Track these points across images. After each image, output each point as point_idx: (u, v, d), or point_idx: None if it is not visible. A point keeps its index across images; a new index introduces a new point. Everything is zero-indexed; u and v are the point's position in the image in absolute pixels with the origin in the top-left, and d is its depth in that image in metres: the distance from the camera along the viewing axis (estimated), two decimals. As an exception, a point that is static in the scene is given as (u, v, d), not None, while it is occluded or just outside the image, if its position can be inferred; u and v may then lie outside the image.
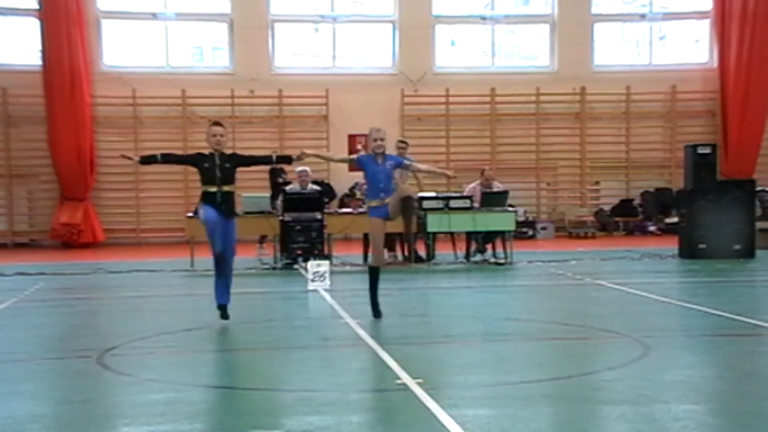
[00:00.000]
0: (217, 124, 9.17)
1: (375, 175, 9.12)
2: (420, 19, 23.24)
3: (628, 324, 8.73)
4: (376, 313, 9.13)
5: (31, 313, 10.38)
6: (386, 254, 15.90)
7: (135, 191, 22.62)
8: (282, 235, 14.74)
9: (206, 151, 9.01)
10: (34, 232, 22.59)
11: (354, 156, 9.46)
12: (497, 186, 16.24)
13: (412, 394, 5.87)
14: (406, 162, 9.23)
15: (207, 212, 8.78)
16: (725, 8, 23.39)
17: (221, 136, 9.01)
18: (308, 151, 9.40)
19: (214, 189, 8.90)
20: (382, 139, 9.15)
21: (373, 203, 9.16)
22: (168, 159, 9.44)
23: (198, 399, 6.07)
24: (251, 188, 18.08)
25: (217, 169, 8.90)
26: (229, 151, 9.19)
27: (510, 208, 15.60)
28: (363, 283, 13.35)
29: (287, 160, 9.72)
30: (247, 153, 9.60)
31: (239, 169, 9.06)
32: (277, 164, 11.15)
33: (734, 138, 23.27)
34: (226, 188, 8.94)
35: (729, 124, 23.40)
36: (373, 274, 9.22)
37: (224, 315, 9.03)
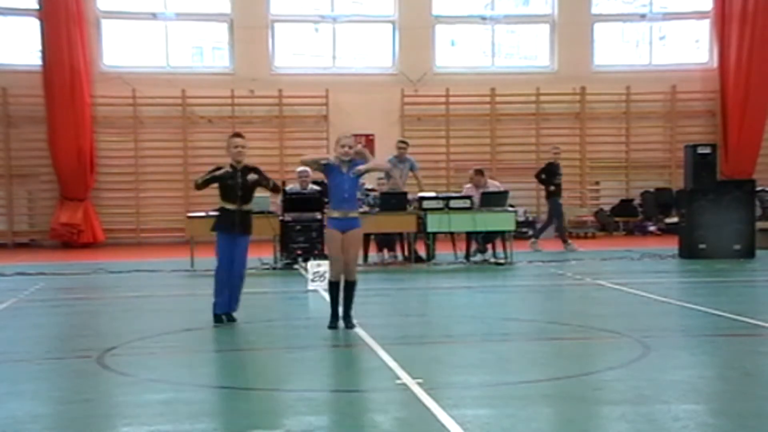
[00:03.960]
0: (237, 135, 9.14)
1: (339, 184, 8.62)
2: (420, 19, 23.23)
3: (628, 324, 8.73)
4: (348, 324, 8.65)
5: (31, 313, 10.38)
6: (386, 254, 15.96)
7: (135, 191, 22.61)
8: (282, 235, 14.74)
9: (229, 167, 8.99)
10: (34, 232, 22.58)
11: (325, 159, 8.75)
12: (494, 185, 16.23)
13: (412, 394, 5.87)
14: (361, 167, 8.87)
15: (222, 242, 8.97)
16: (725, 8, 23.38)
17: (243, 147, 8.97)
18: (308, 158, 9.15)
19: (233, 207, 8.90)
20: (350, 147, 8.64)
21: (334, 214, 8.70)
22: (207, 183, 9.25)
23: (198, 399, 6.07)
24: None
25: (238, 189, 8.89)
26: (250, 164, 9.13)
27: (510, 208, 15.61)
28: (363, 283, 13.34)
29: (277, 190, 9.67)
30: (257, 155, 9.47)
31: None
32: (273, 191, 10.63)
33: (734, 138, 23.26)
34: (245, 207, 8.94)
35: (729, 124, 23.39)
36: (332, 288, 8.76)
37: (218, 320, 9.08)
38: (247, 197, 9.03)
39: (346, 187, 8.63)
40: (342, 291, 8.71)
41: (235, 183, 8.95)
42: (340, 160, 8.60)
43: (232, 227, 9.02)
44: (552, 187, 18.19)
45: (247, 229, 9.12)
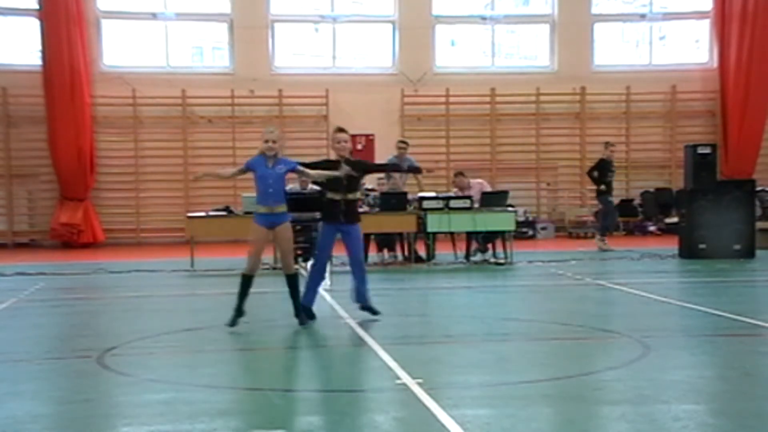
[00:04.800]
0: (341, 130, 9.13)
1: (264, 179, 8.62)
2: (420, 19, 23.24)
3: (628, 324, 8.74)
4: (235, 318, 8.66)
5: (31, 313, 10.38)
6: (386, 254, 15.95)
7: (135, 191, 22.62)
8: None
9: (333, 157, 9.03)
10: (34, 232, 22.59)
11: (242, 166, 8.84)
12: (477, 184, 16.13)
13: (412, 394, 5.87)
14: (299, 168, 8.87)
15: (326, 235, 9.00)
16: (725, 8, 23.38)
17: (345, 142, 9.00)
18: (201, 173, 9.14)
19: (338, 197, 8.92)
20: (274, 141, 8.62)
21: (261, 209, 8.71)
22: (310, 172, 9.19)
23: (198, 399, 6.07)
24: (251, 188, 18.10)
25: (344, 178, 8.89)
26: (353, 158, 9.14)
27: (510, 208, 15.61)
28: (363, 283, 13.32)
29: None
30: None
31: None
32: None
33: (734, 138, 23.26)
34: (350, 196, 8.96)
35: (729, 124, 23.39)
36: (245, 282, 8.71)
37: (311, 316, 9.02)
38: (353, 186, 9.02)
39: (270, 182, 8.64)
40: (287, 287, 8.82)
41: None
42: (265, 155, 8.63)
43: (337, 217, 8.99)
44: (603, 186, 17.84)
45: (354, 217, 9.09)
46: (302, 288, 9.02)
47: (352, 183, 9.04)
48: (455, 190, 16.29)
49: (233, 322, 8.69)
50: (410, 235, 15.43)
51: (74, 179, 21.61)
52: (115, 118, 22.50)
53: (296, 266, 14.41)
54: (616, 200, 23.68)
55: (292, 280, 8.86)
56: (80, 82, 21.53)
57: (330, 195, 9.07)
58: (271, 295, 11.67)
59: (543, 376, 6.54)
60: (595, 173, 18.06)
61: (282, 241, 8.80)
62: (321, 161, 9.41)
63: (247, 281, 8.75)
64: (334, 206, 9.01)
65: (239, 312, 8.73)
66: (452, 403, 5.61)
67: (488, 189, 16.25)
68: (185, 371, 7.00)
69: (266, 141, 8.64)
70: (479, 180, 16.77)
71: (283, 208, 8.79)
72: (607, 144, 18.55)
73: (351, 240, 9.13)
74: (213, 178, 8.68)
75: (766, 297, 11.96)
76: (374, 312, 9.14)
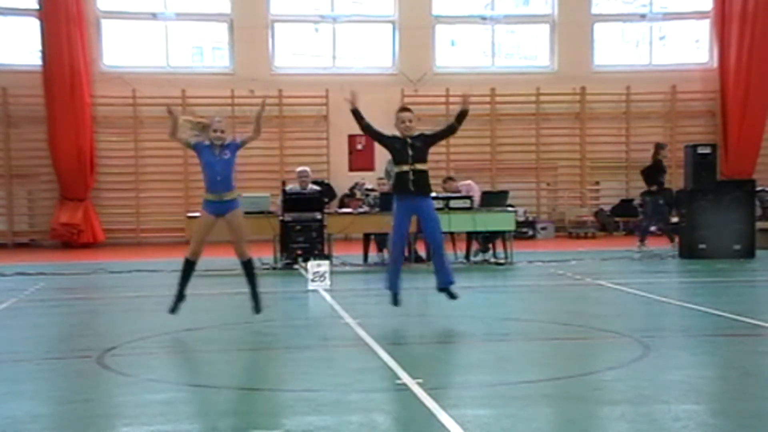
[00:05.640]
0: (405, 109, 9.15)
1: (211, 166, 8.54)
2: (420, 19, 23.24)
3: (628, 324, 8.73)
4: (176, 303, 8.67)
5: (31, 313, 10.37)
6: (386, 254, 15.93)
7: (135, 191, 22.63)
8: (282, 235, 14.73)
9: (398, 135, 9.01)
10: (34, 232, 22.59)
11: (195, 138, 8.67)
12: (465, 186, 16.09)
13: (412, 394, 5.86)
14: (238, 140, 8.79)
15: (399, 210, 8.88)
16: (725, 8, 23.39)
17: (410, 121, 8.99)
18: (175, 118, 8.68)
19: (406, 168, 8.85)
20: (222, 131, 8.60)
21: (209, 197, 8.59)
22: (368, 129, 9.19)
23: (198, 399, 6.07)
24: (251, 188, 18.11)
25: (408, 148, 8.86)
26: (416, 133, 9.07)
27: (510, 208, 15.60)
28: (363, 283, 13.38)
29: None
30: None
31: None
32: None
33: (734, 138, 23.27)
34: (419, 167, 8.88)
35: (729, 124, 23.40)
36: (187, 266, 8.67)
37: (395, 301, 9.02)
38: (419, 156, 8.92)
39: (218, 169, 8.55)
40: (244, 276, 8.74)
41: (404, 145, 8.90)
42: (212, 143, 8.57)
43: (407, 188, 8.88)
44: (654, 186, 17.41)
45: (425, 189, 8.96)
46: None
47: (417, 153, 8.91)
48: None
49: (174, 308, 8.65)
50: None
51: (74, 179, 21.62)
52: (115, 118, 22.51)
53: (296, 266, 14.49)
54: (615, 200, 23.78)
55: (248, 267, 8.75)
56: (80, 82, 21.54)
57: (397, 168, 8.96)
58: (270, 296, 11.67)
59: (543, 376, 6.53)
60: (648, 173, 17.41)
61: (234, 228, 8.66)
62: (385, 134, 9.22)
63: (188, 266, 8.68)
64: (403, 176, 8.89)
65: (180, 296, 8.68)
66: (452, 403, 5.60)
67: (476, 189, 16.16)
68: (185, 371, 7.00)
69: (215, 131, 8.58)
70: (467, 182, 16.69)
71: (232, 194, 8.65)
72: (660, 145, 17.91)
73: (425, 217, 8.99)
74: (173, 122, 8.40)
75: (766, 297, 11.95)
76: (453, 296, 9.01)
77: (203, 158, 8.60)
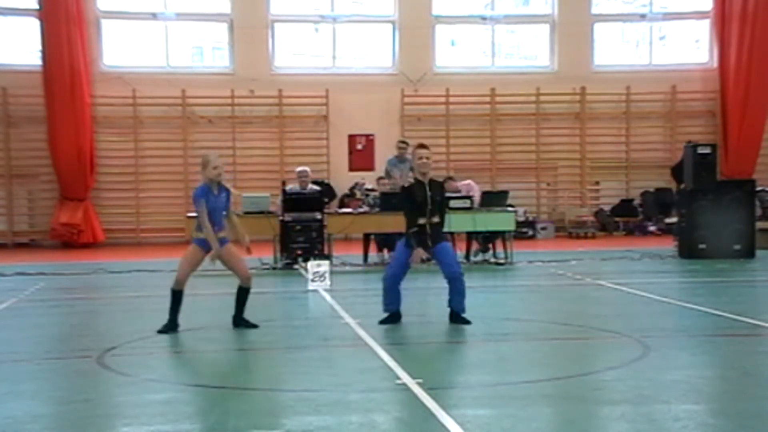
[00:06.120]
0: (422, 146, 8.85)
1: (216, 211, 8.45)
2: (420, 19, 23.24)
3: (628, 324, 8.73)
4: (168, 330, 8.51)
5: (31, 313, 10.37)
6: (386, 254, 15.94)
7: (135, 191, 22.62)
8: (282, 235, 14.73)
9: (412, 179, 8.80)
10: (34, 232, 22.59)
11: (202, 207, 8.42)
12: (464, 186, 16.07)
13: (412, 394, 5.87)
14: (234, 191, 8.60)
15: (404, 252, 8.75)
16: (725, 8, 23.38)
17: (427, 158, 8.72)
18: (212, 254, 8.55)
19: (422, 221, 8.67)
20: (221, 165, 8.48)
21: (201, 236, 8.49)
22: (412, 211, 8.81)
23: (198, 399, 6.07)
24: (251, 188, 18.11)
25: (429, 200, 8.66)
26: (437, 179, 8.90)
27: (510, 208, 15.60)
28: (363, 283, 13.37)
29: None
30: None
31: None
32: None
33: (734, 138, 23.26)
34: (434, 219, 8.71)
35: (729, 124, 23.39)
36: (176, 296, 8.60)
37: (392, 319, 8.84)
38: (436, 211, 8.74)
39: (221, 208, 8.51)
40: (235, 297, 8.70)
41: (424, 197, 8.68)
42: (211, 182, 8.45)
43: (426, 243, 8.73)
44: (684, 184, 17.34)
45: (441, 239, 8.82)
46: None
47: (435, 207, 8.76)
48: None
49: (165, 332, 8.47)
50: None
51: (74, 179, 21.62)
52: (115, 118, 22.50)
53: (296, 266, 14.48)
54: (615, 200, 23.77)
55: (242, 293, 8.69)
56: (80, 82, 21.54)
57: (414, 218, 8.75)
58: (270, 296, 11.69)
59: (543, 376, 6.54)
60: (678, 171, 17.19)
61: (232, 258, 8.62)
62: (402, 193, 9.01)
63: (177, 295, 8.61)
64: (421, 231, 8.72)
65: (174, 326, 8.53)
66: (452, 403, 5.61)
67: (476, 189, 16.17)
68: (185, 371, 7.00)
69: (215, 167, 8.41)
70: (467, 181, 16.72)
71: (224, 233, 8.58)
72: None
73: (441, 258, 8.83)
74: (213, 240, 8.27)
75: (766, 297, 11.96)
76: (466, 322, 8.77)
77: (209, 204, 8.42)
